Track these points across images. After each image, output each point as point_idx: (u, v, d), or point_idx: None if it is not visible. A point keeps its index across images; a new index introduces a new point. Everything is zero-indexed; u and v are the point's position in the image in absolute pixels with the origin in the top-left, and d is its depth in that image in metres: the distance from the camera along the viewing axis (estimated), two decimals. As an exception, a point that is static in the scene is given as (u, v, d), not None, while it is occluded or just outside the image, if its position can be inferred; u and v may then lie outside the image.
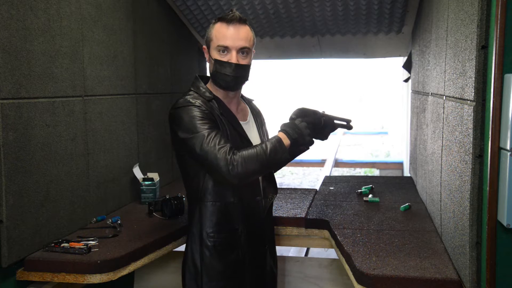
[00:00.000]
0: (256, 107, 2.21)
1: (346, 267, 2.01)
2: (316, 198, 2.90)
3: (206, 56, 1.98)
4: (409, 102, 4.35)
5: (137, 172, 2.83)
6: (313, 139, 1.93)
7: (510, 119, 1.41)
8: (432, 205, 2.42)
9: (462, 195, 1.69)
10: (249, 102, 2.17)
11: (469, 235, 1.60)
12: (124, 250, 2.03)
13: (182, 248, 2.38)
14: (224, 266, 1.94)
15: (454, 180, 1.83)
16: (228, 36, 1.88)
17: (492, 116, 1.46)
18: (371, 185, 3.08)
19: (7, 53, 1.87)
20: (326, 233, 2.43)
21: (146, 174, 2.86)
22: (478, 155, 1.56)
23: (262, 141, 1.89)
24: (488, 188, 1.49)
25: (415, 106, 3.29)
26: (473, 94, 1.56)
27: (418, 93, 3.07)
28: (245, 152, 1.78)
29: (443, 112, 2.07)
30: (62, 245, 2.04)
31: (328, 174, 7.06)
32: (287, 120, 1.94)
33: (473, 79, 1.56)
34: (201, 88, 1.97)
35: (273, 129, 1.99)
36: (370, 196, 2.87)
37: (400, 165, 7.35)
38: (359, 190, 3.00)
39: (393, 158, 9.73)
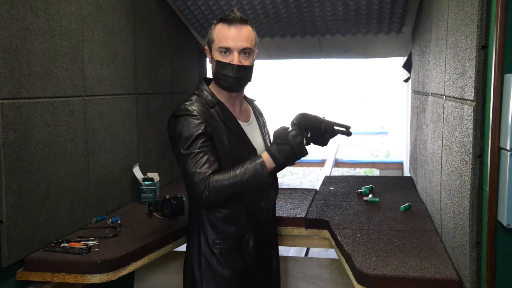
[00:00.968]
0: (258, 107, 2.21)
1: (346, 267, 2.01)
2: (316, 198, 2.89)
3: (208, 57, 1.97)
4: (409, 102, 4.35)
5: (137, 172, 2.83)
6: (307, 152, 1.88)
7: (510, 119, 1.41)
8: (432, 205, 2.42)
9: (462, 195, 1.69)
10: (251, 102, 2.17)
11: (469, 235, 1.60)
12: (124, 250, 2.03)
13: (182, 248, 2.38)
14: (231, 272, 1.93)
15: (454, 180, 1.83)
16: (230, 37, 1.86)
17: (492, 116, 1.46)
18: (371, 185, 3.08)
19: (7, 53, 1.87)
20: (326, 233, 2.43)
21: (146, 174, 2.86)
22: (478, 155, 1.56)
23: (243, 163, 1.81)
24: (488, 188, 1.49)
25: (415, 106, 3.29)
26: (473, 94, 1.56)
27: (418, 93, 3.07)
28: (220, 180, 1.75)
29: (443, 112, 2.07)
30: (62, 245, 2.04)
31: (328, 174, 7.06)
32: (288, 120, 1.93)
33: (473, 79, 1.56)
34: (204, 91, 1.96)
35: (273, 129, 1.98)
36: (370, 196, 2.87)
37: (400, 165, 7.36)
38: (359, 190, 3.00)
39: (393, 158, 9.74)
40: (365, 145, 13.44)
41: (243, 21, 1.89)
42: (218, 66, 1.90)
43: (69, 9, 2.25)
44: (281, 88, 28.05)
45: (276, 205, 2.69)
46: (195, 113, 1.85)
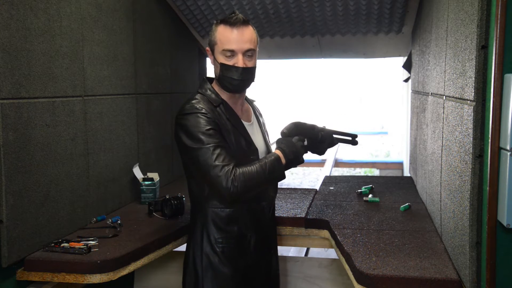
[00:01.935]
0: (258, 108, 2.21)
1: (346, 267, 2.01)
2: (316, 198, 2.90)
3: (210, 58, 1.97)
4: (409, 102, 4.35)
5: (137, 172, 2.83)
6: (304, 160, 1.93)
7: (510, 119, 1.41)
8: (432, 205, 2.42)
9: (462, 195, 1.69)
10: (251, 102, 2.17)
11: (469, 235, 1.60)
12: (124, 250, 2.03)
13: (181, 248, 2.38)
14: (233, 271, 1.93)
15: (454, 180, 1.83)
16: (233, 40, 1.86)
17: (492, 116, 1.46)
18: (371, 185, 3.08)
19: (7, 53, 1.87)
20: (326, 233, 2.43)
21: (146, 174, 2.86)
22: (478, 155, 1.56)
23: (260, 159, 1.86)
24: (488, 188, 1.49)
25: (415, 106, 3.29)
26: (473, 94, 1.56)
27: (418, 93, 3.07)
28: (246, 172, 1.77)
29: (443, 112, 2.07)
30: (62, 245, 2.04)
31: (328, 174, 7.06)
32: (286, 120, 1.94)
33: (473, 79, 1.56)
34: (208, 90, 1.95)
35: (273, 129, 1.99)
36: (370, 196, 2.87)
37: (400, 165, 7.35)
38: (359, 190, 3.00)
39: (393, 158, 9.74)
40: (365, 145, 13.44)
41: (245, 22, 1.88)
42: (223, 69, 1.89)
43: (69, 9, 2.25)
44: (281, 88, 28.04)
45: (276, 205, 2.69)
46: (203, 110, 1.85)
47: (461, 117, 1.72)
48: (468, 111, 1.62)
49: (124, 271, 2.00)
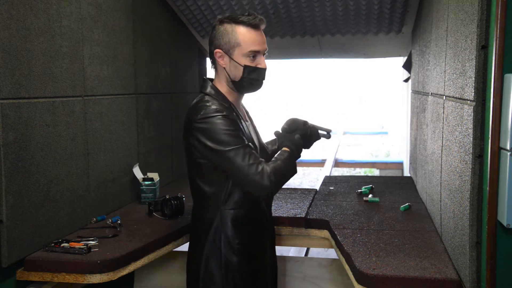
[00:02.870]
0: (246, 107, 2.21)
1: (346, 267, 2.01)
2: (316, 198, 2.90)
3: (221, 60, 1.90)
4: (409, 102, 4.36)
5: (137, 172, 2.83)
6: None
7: (510, 119, 1.41)
8: (432, 205, 2.42)
9: (462, 195, 1.69)
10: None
11: (469, 235, 1.60)
12: (124, 250, 2.03)
13: (181, 248, 2.38)
14: (251, 272, 1.93)
15: (454, 180, 1.83)
16: (258, 41, 1.87)
17: (492, 116, 1.46)
18: (371, 185, 3.08)
19: (7, 53, 1.87)
20: (326, 233, 2.43)
21: (146, 174, 2.86)
22: (478, 155, 1.56)
23: (276, 155, 1.89)
24: (488, 188, 1.49)
25: (415, 106, 3.29)
26: (473, 94, 1.56)
27: (418, 93, 3.07)
28: (276, 168, 1.80)
29: (443, 112, 2.07)
30: (62, 245, 2.04)
31: (328, 174, 7.06)
32: (286, 120, 1.95)
33: (473, 79, 1.56)
34: (215, 92, 1.92)
35: (273, 129, 1.99)
36: (370, 196, 2.87)
37: (400, 165, 7.35)
38: (359, 190, 3.00)
39: (393, 158, 9.73)
40: (365, 145, 13.43)
41: (262, 21, 1.91)
42: (248, 71, 1.87)
43: (69, 9, 2.25)
44: (281, 89, 28.04)
45: (276, 205, 2.70)
46: (225, 112, 1.82)
47: (461, 117, 1.72)
48: (468, 111, 1.62)
49: (124, 271, 2.00)
